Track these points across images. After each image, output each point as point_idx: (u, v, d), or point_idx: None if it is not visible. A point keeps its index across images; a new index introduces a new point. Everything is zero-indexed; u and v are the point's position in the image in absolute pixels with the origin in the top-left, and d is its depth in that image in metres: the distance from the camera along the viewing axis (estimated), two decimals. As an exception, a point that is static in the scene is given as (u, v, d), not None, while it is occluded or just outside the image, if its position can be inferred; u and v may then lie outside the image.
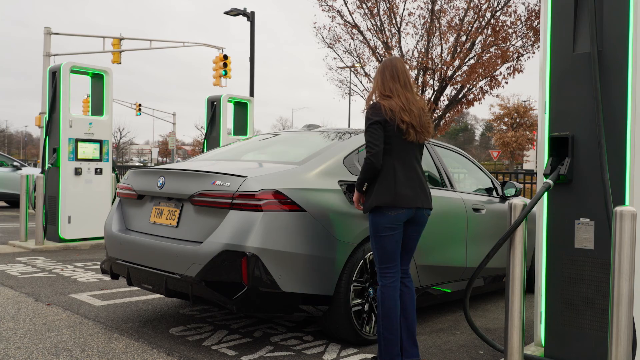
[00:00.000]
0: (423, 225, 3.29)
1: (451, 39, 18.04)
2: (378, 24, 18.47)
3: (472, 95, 18.85)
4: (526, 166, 48.54)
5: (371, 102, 3.26)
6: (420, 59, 18.08)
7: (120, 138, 71.62)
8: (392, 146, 3.15)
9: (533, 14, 17.29)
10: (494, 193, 5.27)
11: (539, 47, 4.34)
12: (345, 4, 18.70)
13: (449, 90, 19.02)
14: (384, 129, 3.14)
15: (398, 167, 3.15)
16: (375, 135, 3.13)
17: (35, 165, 24.36)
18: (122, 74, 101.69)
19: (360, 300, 3.68)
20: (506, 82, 20.64)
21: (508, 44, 17.83)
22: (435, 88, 18.57)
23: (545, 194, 3.24)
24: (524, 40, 17.91)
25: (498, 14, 17.71)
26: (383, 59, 3.79)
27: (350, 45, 19.54)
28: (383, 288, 3.18)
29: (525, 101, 48.42)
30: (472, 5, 17.67)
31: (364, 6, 18.43)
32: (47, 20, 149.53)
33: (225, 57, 18.58)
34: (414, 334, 3.28)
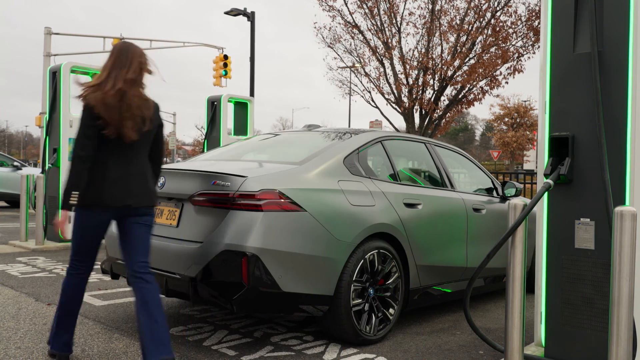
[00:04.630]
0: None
1: (451, 39, 18.07)
2: (378, 24, 18.49)
3: (472, 95, 18.88)
4: (526, 166, 48.59)
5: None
6: (420, 59, 18.08)
7: (121, 138, 71.43)
8: None
9: (533, 14, 17.31)
10: (494, 193, 5.26)
11: (539, 47, 4.34)
12: (346, 4, 18.73)
13: (449, 90, 19.05)
14: None
15: None
16: None
17: (35, 165, 24.38)
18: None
19: (360, 300, 3.67)
20: (506, 82, 20.68)
21: (508, 44, 17.86)
22: (436, 88, 18.58)
23: (546, 194, 3.24)
24: (524, 40, 17.94)
25: (498, 14, 17.74)
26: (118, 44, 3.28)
27: (350, 45, 19.57)
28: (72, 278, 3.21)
29: (525, 101, 48.46)
30: (472, 5, 17.68)
31: (365, 6, 18.45)
32: (34, 18, 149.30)
33: (226, 57, 18.61)
34: (160, 333, 2.92)
